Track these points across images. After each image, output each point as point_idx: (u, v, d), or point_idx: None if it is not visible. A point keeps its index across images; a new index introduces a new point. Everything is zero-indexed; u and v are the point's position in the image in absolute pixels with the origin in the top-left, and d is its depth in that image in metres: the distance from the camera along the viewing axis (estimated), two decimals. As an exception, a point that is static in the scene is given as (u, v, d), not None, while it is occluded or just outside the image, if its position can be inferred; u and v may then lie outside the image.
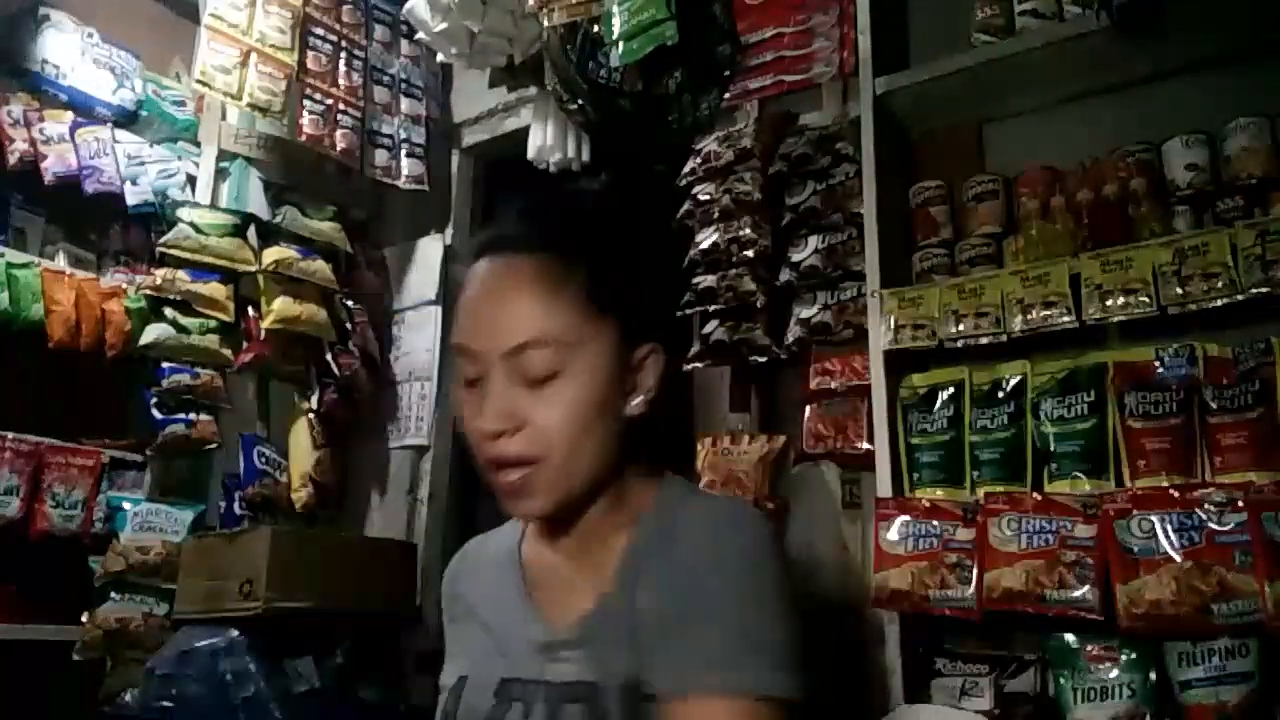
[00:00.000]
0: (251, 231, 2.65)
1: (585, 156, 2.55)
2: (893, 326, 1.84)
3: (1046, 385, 1.71)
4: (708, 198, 2.20)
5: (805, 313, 2.05)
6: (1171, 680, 1.46)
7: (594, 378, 0.89)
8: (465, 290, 0.93)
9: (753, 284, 2.10)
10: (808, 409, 2.05)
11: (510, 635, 0.96)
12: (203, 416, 2.54)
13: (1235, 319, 1.58)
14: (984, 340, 1.75)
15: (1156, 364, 1.64)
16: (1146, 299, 1.59)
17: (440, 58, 2.74)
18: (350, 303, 2.80)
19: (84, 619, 2.37)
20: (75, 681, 2.38)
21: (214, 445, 2.58)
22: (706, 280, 2.16)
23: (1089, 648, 1.52)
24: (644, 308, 0.96)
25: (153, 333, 2.49)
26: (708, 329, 2.17)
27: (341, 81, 2.74)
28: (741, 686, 0.82)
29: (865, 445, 1.92)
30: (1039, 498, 1.61)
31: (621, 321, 0.91)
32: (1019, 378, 1.75)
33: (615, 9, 1.73)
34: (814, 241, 2.06)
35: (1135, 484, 1.56)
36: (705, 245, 2.16)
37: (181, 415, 2.51)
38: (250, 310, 2.62)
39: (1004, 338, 1.73)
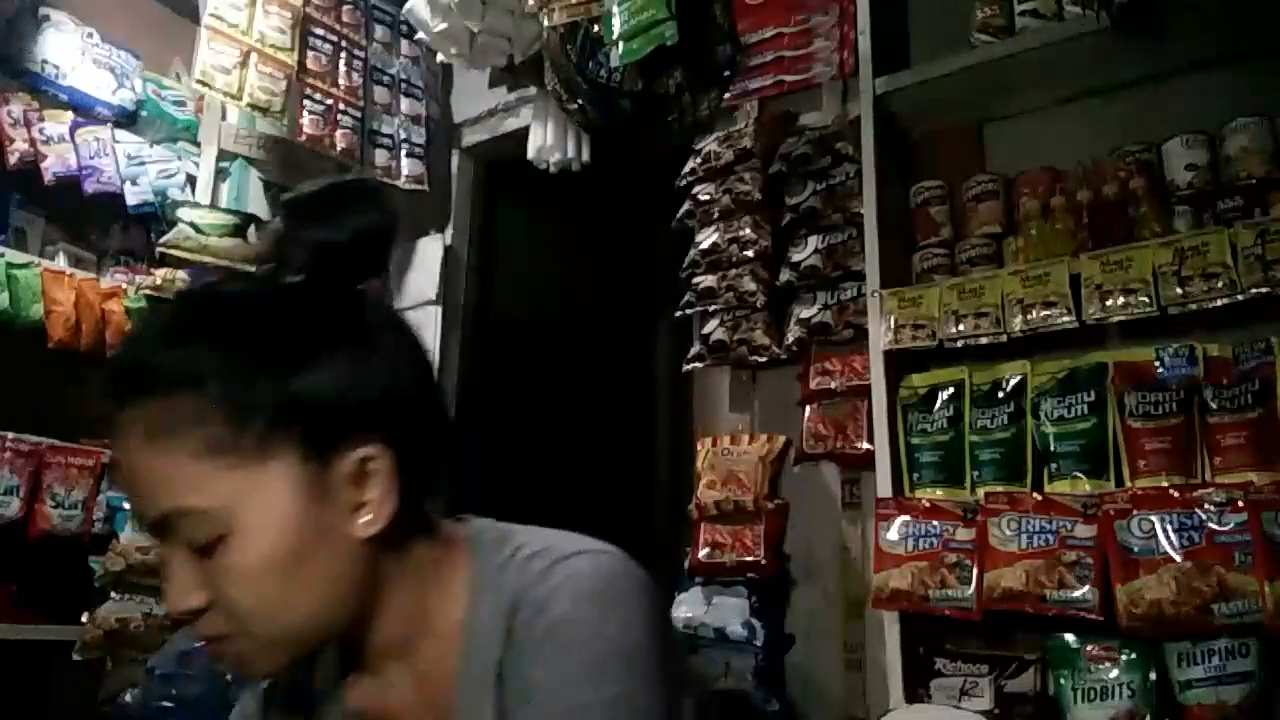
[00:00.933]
0: (251, 231, 2.65)
1: (585, 156, 2.55)
2: (893, 326, 1.84)
3: (1046, 385, 1.71)
4: (708, 198, 2.20)
5: (805, 313, 2.05)
6: (1171, 680, 1.46)
7: (276, 526, 0.69)
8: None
9: (753, 284, 2.10)
10: (808, 409, 2.05)
11: None
12: (203, 416, 2.54)
13: (1235, 319, 1.58)
14: (984, 340, 1.75)
15: (1156, 364, 1.64)
16: (1146, 299, 1.59)
17: (440, 58, 2.74)
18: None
19: (84, 619, 2.36)
20: (75, 681, 2.38)
21: (214, 445, 2.58)
22: (706, 280, 2.16)
23: (1089, 648, 1.52)
24: (341, 407, 0.72)
25: (153, 333, 2.49)
26: (708, 329, 2.18)
27: (341, 81, 2.74)
28: None
29: (865, 445, 1.93)
30: (1039, 498, 1.61)
31: (301, 435, 0.70)
32: (1019, 378, 1.75)
33: (615, 9, 1.73)
34: (814, 241, 2.06)
35: (1135, 484, 1.56)
36: (705, 245, 2.17)
37: (182, 415, 2.50)
38: (250, 310, 2.61)
39: (1004, 338, 1.73)
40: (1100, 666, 1.50)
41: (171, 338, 0.73)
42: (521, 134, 2.65)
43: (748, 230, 2.12)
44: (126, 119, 2.87)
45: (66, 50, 2.73)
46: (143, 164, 2.80)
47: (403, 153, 2.84)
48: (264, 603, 0.70)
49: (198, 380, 0.69)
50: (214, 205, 2.67)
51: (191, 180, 2.82)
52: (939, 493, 1.74)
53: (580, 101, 1.87)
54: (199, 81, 2.52)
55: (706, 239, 2.17)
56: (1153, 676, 1.47)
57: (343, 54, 2.76)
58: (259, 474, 0.69)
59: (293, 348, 0.72)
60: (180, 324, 0.74)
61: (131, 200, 2.75)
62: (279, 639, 0.72)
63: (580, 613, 0.70)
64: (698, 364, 2.21)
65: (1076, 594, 1.49)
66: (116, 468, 0.78)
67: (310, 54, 2.68)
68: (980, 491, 1.70)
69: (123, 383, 0.72)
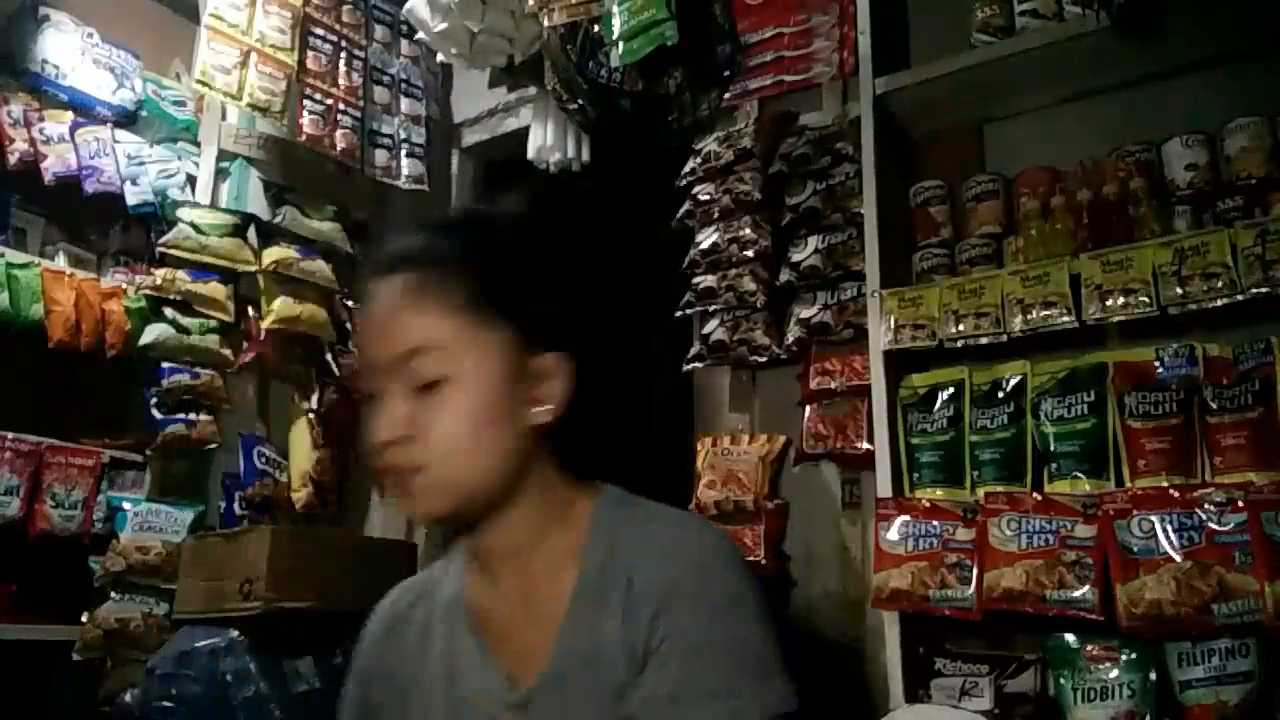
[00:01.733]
0: (251, 231, 2.65)
1: (585, 156, 2.56)
2: (893, 326, 1.84)
3: (1046, 385, 1.71)
4: (708, 198, 2.20)
5: (805, 313, 2.05)
6: (1171, 680, 1.46)
7: (484, 386, 0.87)
8: (359, 313, 0.97)
9: (753, 284, 2.10)
10: (808, 409, 2.05)
11: (474, 694, 0.91)
12: (203, 416, 2.54)
13: (1235, 319, 1.58)
14: (984, 340, 1.75)
15: (1156, 364, 1.64)
16: (1146, 299, 1.59)
17: (440, 58, 2.74)
18: (350, 303, 2.80)
19: (84, 619, 2.36)
20: (75, 681, 2.38)
21: (214, 445, 2.58)
22: (706, 280, 2.16)
23: (1089, 648, 1.52)
24: (548, 318, 0.93)
25: (153, 333, 2.49)
26: (708, 329, 2.18)
27: (341, 81, 2.74)
28: (746, 712, 0.81)
29: (865, 445, 1.92)
30: (1039, 498, 1.61)
31: (518, 330, 0.90)
32: (1019, 378, 1.75)
33: (615, 9, 1.73)
34: (814, 241, 2.06)
35: (1135, 484, 1.56)
36: (705, 245, 2.17)
37: (181, 415, 2.51)
38: (250, 310, 2.62)
39: (1004, 338, 1.73)
40: (1100, 666, 1.50)
41: (448, 231, 0.98)
42: (521, 134, 2.65)
43: (748, 230, 2.12)
44: (126, 119, 2.87)
45: (66, 50, 2.73)
46: (143, 164, 2.80)
47: (403, 153, 2.84)
48: (455, 443, 0.86)
49: (460, 259, 0.91)
50: (214, 205, 2.67)
51: (191, 180, 2.82)
52: (939, 493, 1.74)
53: (580, 101, 1.88)
54: (199, 81, 2.52)
55: (706, 239, 2.17)
56: (1153, 676, 1.47)
57: (343, 54, 2.77)
58: (484, 342, 0.88)
59: (530, 264, 0.95)
60: (456, 224, 1.03)
61: (131, 200, 2.75)
62: (453, 481, 0.87)
63: (708, 563, 0.88)
64: (698, 364, 2.21)
65: (1076, 594, 1.49)
66: (370, 323, 0.92)
67: (310, 54, 2.69)
68: (980, 491, 1.70)
69: (399, 256, 0.93)
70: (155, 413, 2.49)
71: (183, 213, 2.56)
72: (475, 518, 0.92)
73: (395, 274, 0.91)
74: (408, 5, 2.62)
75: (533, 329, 0.91)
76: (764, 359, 2.11)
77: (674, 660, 0.83)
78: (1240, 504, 1.40)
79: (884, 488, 1.79)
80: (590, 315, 0.99)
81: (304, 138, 2.63)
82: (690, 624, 0.84)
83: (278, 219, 2.66)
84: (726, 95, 1.98)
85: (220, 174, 2.74)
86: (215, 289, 2.55)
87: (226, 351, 2.58)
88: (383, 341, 0.89)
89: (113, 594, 2.36)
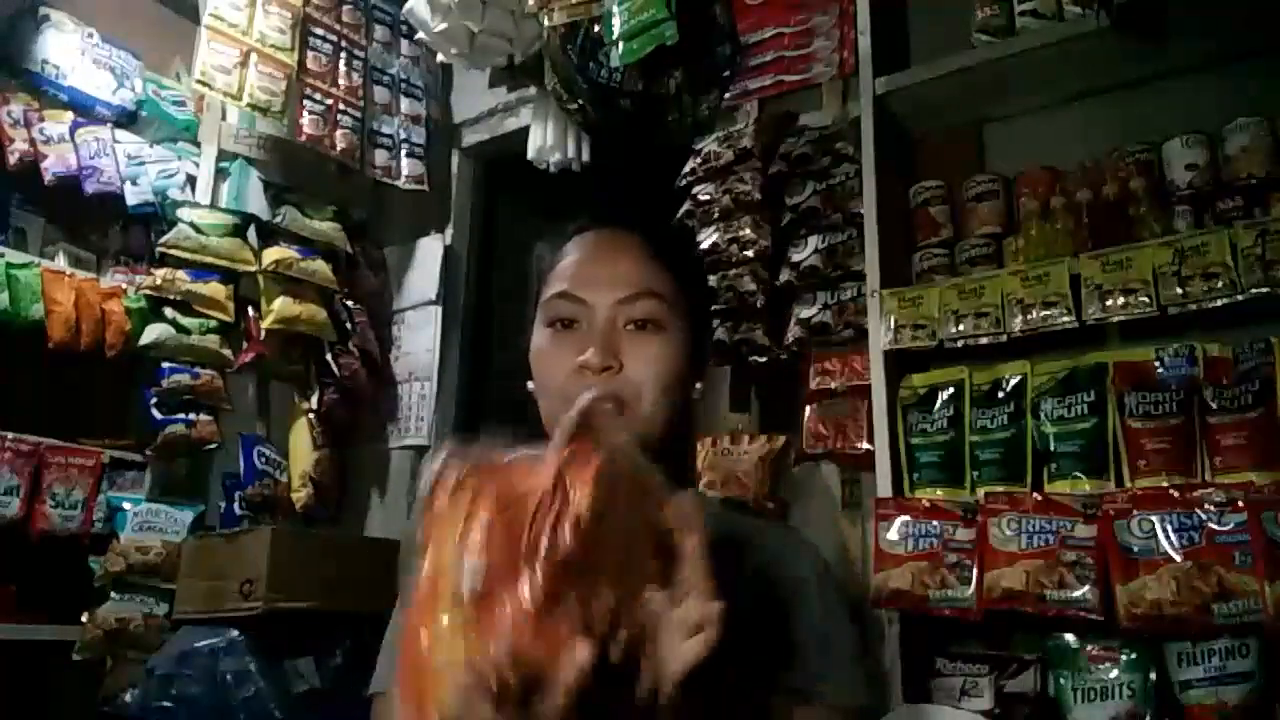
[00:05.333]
0: (251, 231, 2.65)
1: (585, 156, 2.55)
2: (893, 326, 1.84)
3: (1046, 385, 1.71)
4: (708, 198, 2.20)
5: (805, 313, 2.05)
6: (1171, 680, 1.46)
7: (682, 344, 0.97)
8: (571, 254, 1.02)
9: (753, 284, 2.10)
10: (808, 409, 2.05)
11: None
12: (203, 416, 2.54)
13: (1235, 319, 1.58)
14: (984, 340, 1.75)
15: (1156, 364, 1.64)
16: (1146, 299, 1.59)
17: (440, 58, 2.74)
18: (350, 303, 2.80)
19: (84, 619, 2.36)
20: (75, 681, 2.38)
21: (214, 445, 2.58)
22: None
23: (1089, 648, 1.52)
24: (708, 324, 1.07)
25: (153, 333, 2.49)
26: (708, 329, 2.17)
27: (341, 81, 2.74)
28: (852, 693, 0.91)
29: (865, 445, 1.92)
30: (1039, 498, 1.61)
31: (698, 311, 1.02)
32: (1019, 378, 1.75)
33: (615, 9, 1.73)
34: (814, 241, 2.06)
35: (1135, 484, 1.56)
36: (705, 245, 2.16)
37: (181, 415, 2.51)
38: (250, 310, 2.62)
39: (1004, 338, 1.73)
40: (1100, 666, 1.51)
41: (660, 218, 1.17)
42: (521, 134, 2.65)
43: (748, 230, 2.12)
44: (126, 119, 2.87)
45: (66, 50, 2.73)
46: (143, 164, 2.80)
47: (403, 153, 2.84)
48: (653, 383, 0.95)
49: (673, 249, 1.04)
50: (214, 205, 2.67)
51: (191, 180, 2.82)
52: (939, 493, 1.74)
53: (580, 101, 1.87)
54: (199, 81, 2.52)
55: (706, 239, 2.17)
56: (1153, 676, 1.47)
57: (343, 54, 2.77)
58: (683, 315, 0.99)
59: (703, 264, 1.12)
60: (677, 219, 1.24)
61: (131, 200, 2.75)
62: (648, 419, 0.94)
63: (827, 571, 0.98)
64: (700, 364, 2.21)
65: (1076, 594, 1.49)
66: (590, 261, 1.01)
67: (310, 54, 2.68)
68: (980, 491, 1.70)
69: (639, 220, 1.05)
70: (155, 413, 2.49)
71: (183, 213, 2.56)
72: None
73: (620, 231, 1.02)
74: (408, 5, 2.61)
75: (702, 316, 1.05)
76: (764, 359, 2.11)
77: (809, 643, 0.91)
78: (1240, 504, 1.40)
79: (884, 488, 1.79)
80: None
81: (304, 138, 2.63)
82: (823, 615, 0.93)
83: (278, 219, 2.66)
84: (726, 95, 1.97)
85: (220, 174, 2.75)
86: (215, 289, 2.55)
87: (226, 351, 2.58)
88: (610, 281, 0.97)
89: (113, 594, 2.36)
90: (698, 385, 1.02)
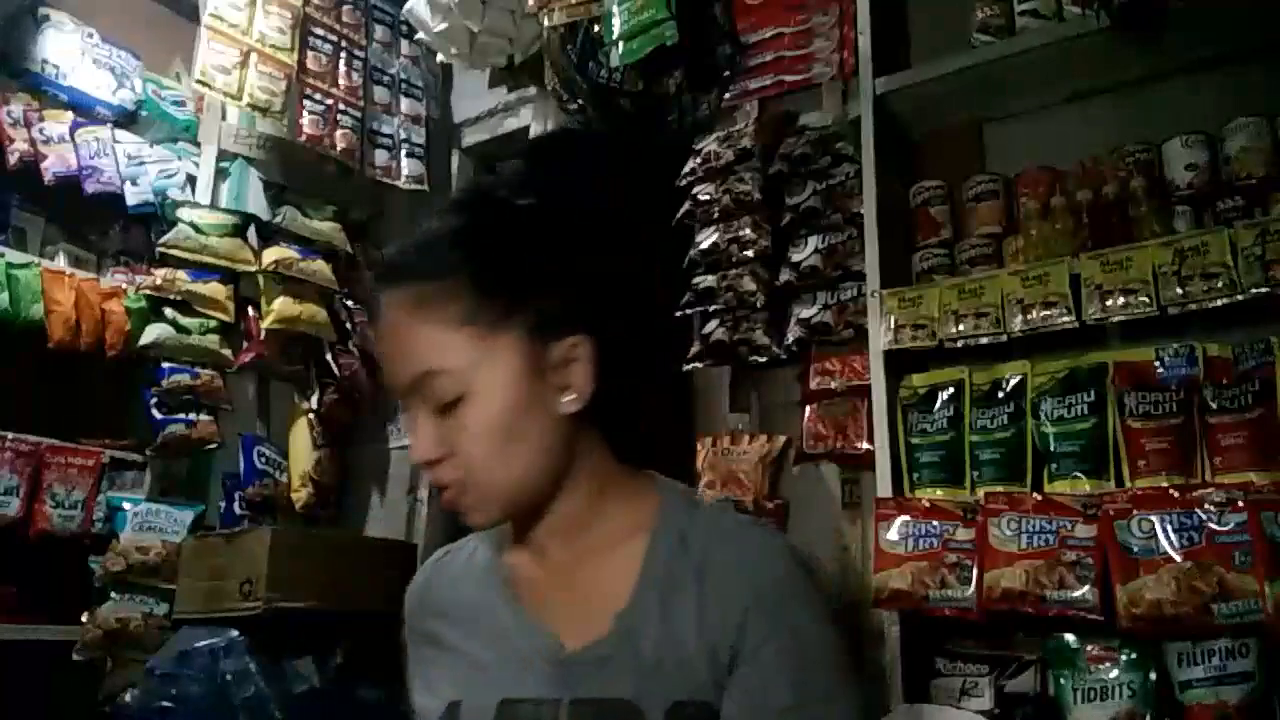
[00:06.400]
0: (251, 231, 2.65)
1: (585, 156, 2.55)
2: (893, 326, 1.84)
3: (1046, 385, 1.71)
4: (708, 198, 2.20)
5: (805, 313, 2.05)
6: (1171, 680, 1.46)
7: (503, 392, 0.86)
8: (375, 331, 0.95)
9: (753, 284, 2.10)
10: (808, 409, 2.05)
11: (509, 652, 0.91)
12: (203, 416, 2.54)
13: (1235, 319, 1.58)
14: (984, 340, 1.75)
15: (1156, 364, 1.64)
16: (1146, 299, 1.59)
17: (440, 58, 2.74)
18: (350, 303, 2.80)
19: (84, 619, 2.36)
20: (75, 681, 2.38)
21: (214, 445, 2.58)
22: (706, 280, 2.16)
23: (1089, 648, 1.52)
24: (561, 302, 0.89)
25: (153, 333, 2.49)
26: (708, 329, 2.17)
27: (341, 81, 2.74)
28: (855, 712, 0.85)
29: (865, 445, 1.92)
30: (1039, 498, 1.61)
31: (529, 322, 0.87)
32: (1019, 378, 1.75)
33: (615, 9, 1.74)
34: (814, 241, 2.06)
35: (1135, 484, 1.56)
36: (705, 245, 2.17)
37: (181, 415, 2.51)
38: (250, 310, 2.62)
39: (1004, 338, 1.73)
40: (1100, 666, 1.50)
41: (440, 239, 0.92)
42: (521, 134, 2.65)
43: (748, 230, 2.12)
44: (126, 119, 2.87)
45: (66, 50, 2.73)
46: (143, 164, 2.80)
47: (403, 153, 2.84)
48: (489, 456, 0.86)
49: (455, 271, 0.87)
50: (214, 205, 2.67)
51: (191, 180, 2.82)
52: (939, 493, 1.74)
53: (580, 101, 1.88)
54: (199, 81, 2.52)
55: (706, 239, 2.17)
56: (1153, 676, 1.47)
57: (343, 54, 2.76)
58: (494, 347, 0.86)
59: (530, 255, 0.89)
60: (449, 229, 0.93)
61: (131, 200, 2.75)
62: (496, 491, 0.88)
63: (790, 571, 0.87)
64: (698, 364, 2.21)
65: (1076, 594, 1.48)
66: (381, 340, 0.92)
67: (310, 54, 2.68)
68: (980, 491, 1.70)
69: (396, 269, 0.92)
70: (155, 413, 2.49)
71: (183, 213, 2.56)
72: (526, 512, 0.93)
73: (396, 288, 0.89)
74: (408, 5, 2.62)
75: (543, 318, 0.88)
76: (764, 359, 2.11)
77: (785, 661, 0.83)
78: (1240, 504, 1.40)
79: (884, 488, 1.79)
80: (609, 286, 0.95)
81: (304, 138, 2.63)
82: (787, 631, 0.84)
83: (278, 219, 2.66)
84: (726, 95, 1.97)
85: (220, 174, 2.74)
86: (215, 289, 2.55)
87: (226, 351, 2.58)
88: (396, 364, 0.89)
89: (113, 594, 2.36)
90: (564, 399, 0.88)
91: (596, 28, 1.82)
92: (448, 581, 1.02)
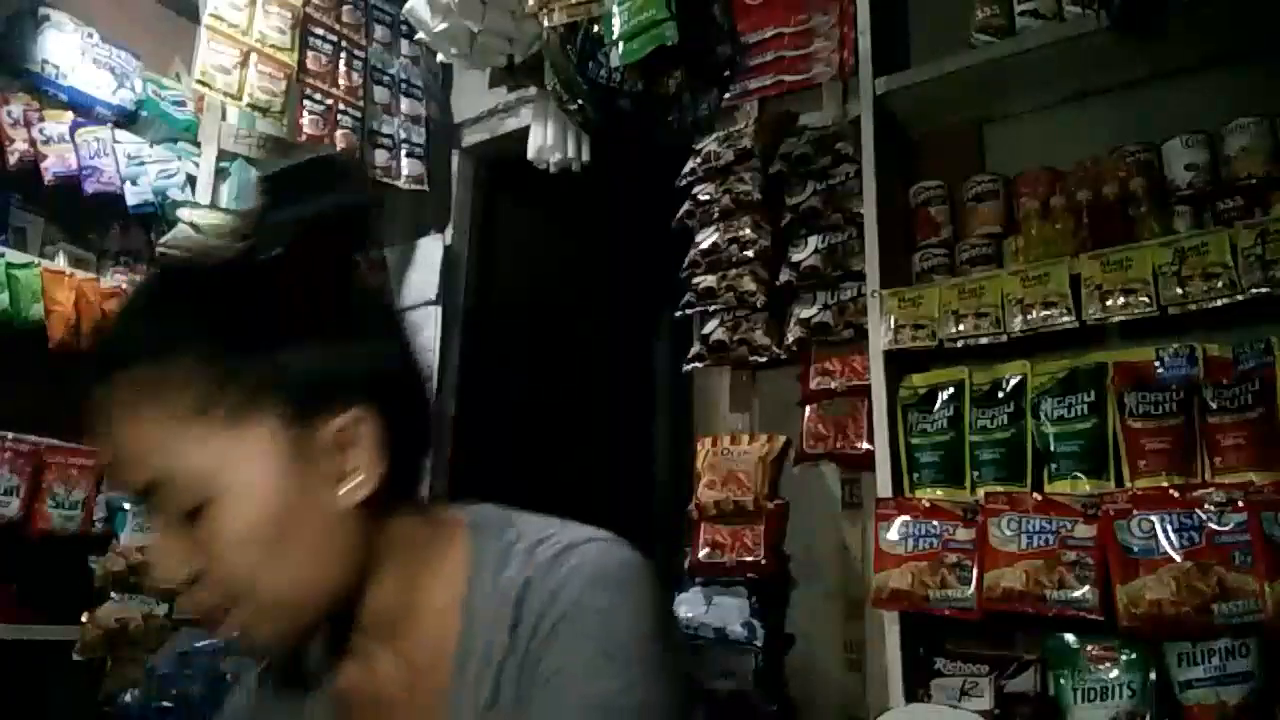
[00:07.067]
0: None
1: (585, 156, 2.55)
2: (893, 326, 1.84)
3: (1046, 385, 1.71)
4: (708, 198, 2.20)
5: (805, 313, 2.05)
6: (1171, 680, 1.46)
7: (261, 491, 0.69)
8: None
9: (753, 284, 2.10)
10: (808, 409, 2.05)
11: None
12: (203, 416, 2.54)
13: (1235, 319, 1.58)
14: (984, 340, 1.75)
15: (1156, 364, 1.64)
16: (1146, 299, 1.59)
17: (440, 58, 2.74)
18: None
19: (84, 619, 2.36)
20: (75, 681, 2.38)
21: (214, 445, 2.58)
22: (706, 280, 2.16)
23: (1089, 648, 1.52)
24: (324, 373, 0.72)
25: (153, 333, 2.49)
26: (708, 329, 2.18)
27: (341, 81, 2.74)
28: None
29: (865, 445, 1.93)
30: (1039, 498, 1.61)
31: (287, 401, 0.71)
32: (1019, 378, 1.75)
33: (615, 9, 1.73)
34: (814, 241, 2.06)
35: (1135, 484, 1.56)
36: (705, 245, 2.17)
37: (181, 415, 2.50)
38: (250, 310, 2.61)
39: (1004, 338, 1.73)
40: (1100, 666, 1.50)
41: (153, 309, 0.74)
42: (521, 134, 2.65)
43: (748, 230, 2.12)
44: (126, 119, 2.87)
45: (66, 50, 2.73)
46: (143, 164, 2.80)
47: (403, 153, 2.84)
48: (250, 570, 0.69)
49: (178, 347, 0.69)
50: (214, 205, 2.67)
51: (191, 180, 2.82)
52: (939, 493, 1.74)
53: (580, 101, 1.87)
54: (199, 81, 2.52)
55: (706, 239, 2.17)
56: (1153, 676, 1.47)
57: (343, 54, 2.76)
58: (240, 439, 0.69)
59: (272, 319, 0.72)
60: (161, 296, 0.76)
61: (131, 200, 2.75)
62: (270, 608, 0.71)
63: (595, 601, 0.70)
64: (698, 364, 2.21)
65: (1076, 594, 1.49)
66: (102, 442, 0.71)
67: (310, 54, 2.68)
68: (980, 491, 1.70)
69: (107, 354, 0.73)
70: (155, 413, 2.48)
71: (183, 213, 2.56)
72: (325, 620, 0.76)
73: (105, 382, 0.70)
74: (408, 5, 2.61)
75: (305, 393, 0.71)
76: (764, 359, 2.11)
77: (568, 684, 0.68)
78: (1240, 504, 1.40)
79: (884, 488, 1.79)
80: (385, 343, 0.79)
81: (304, 138, 2.62)
82: (578, 671, 0.69)
83: (278, 219, 2.66)
84: (726, 95, 1.97)
85: (220, 174, 2.74)
86: (215, 289, 2.55)
87: (226, 351, 2.57)
88: (122, 471, 0.70)
89: (113, 594, 2.36)
90: (345, 489, 0.72)
91: (596, 28, 1.81)
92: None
